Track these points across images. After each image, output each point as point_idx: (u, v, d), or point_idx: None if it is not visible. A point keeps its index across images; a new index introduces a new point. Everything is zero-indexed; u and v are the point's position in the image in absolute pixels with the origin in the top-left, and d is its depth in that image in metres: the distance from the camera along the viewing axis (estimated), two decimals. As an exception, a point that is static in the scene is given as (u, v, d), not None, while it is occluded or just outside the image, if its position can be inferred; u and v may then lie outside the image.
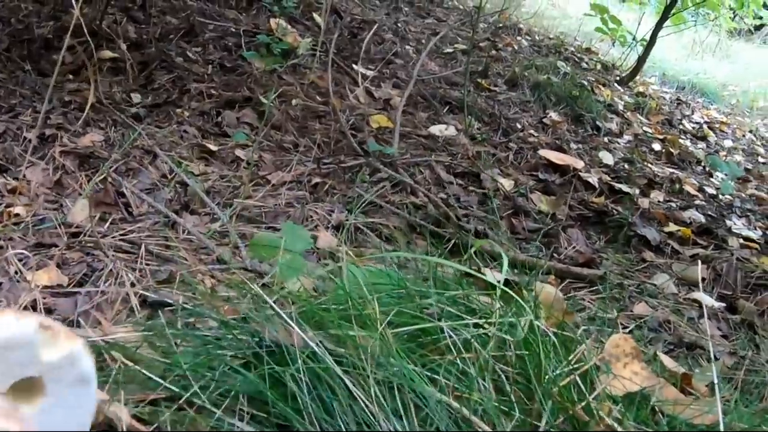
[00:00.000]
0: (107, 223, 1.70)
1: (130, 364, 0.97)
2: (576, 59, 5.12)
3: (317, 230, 1.92)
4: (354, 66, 3.36)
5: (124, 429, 0.84)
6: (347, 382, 0.86)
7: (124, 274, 1.42)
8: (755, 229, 3.34)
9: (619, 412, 1.03)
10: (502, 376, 1.00)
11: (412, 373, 0.89)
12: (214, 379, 0.93)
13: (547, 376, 1.01)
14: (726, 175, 3.12)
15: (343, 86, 3.12)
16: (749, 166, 4.54)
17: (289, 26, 3.18)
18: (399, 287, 1.20)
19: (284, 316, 0.95)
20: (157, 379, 0.94)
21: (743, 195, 4.00)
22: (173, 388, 0.92)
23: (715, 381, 1.40)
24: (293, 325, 0.93)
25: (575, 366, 1.07)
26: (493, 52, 4.42)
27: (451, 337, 1.01)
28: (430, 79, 3.57)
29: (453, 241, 2.13)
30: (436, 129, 3.04)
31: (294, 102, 2.76)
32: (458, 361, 0.95)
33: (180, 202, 1.92)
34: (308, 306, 1.06)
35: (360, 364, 0.88)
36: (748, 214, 3.61)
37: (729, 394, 1.56)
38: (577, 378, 1.06)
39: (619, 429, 0.96)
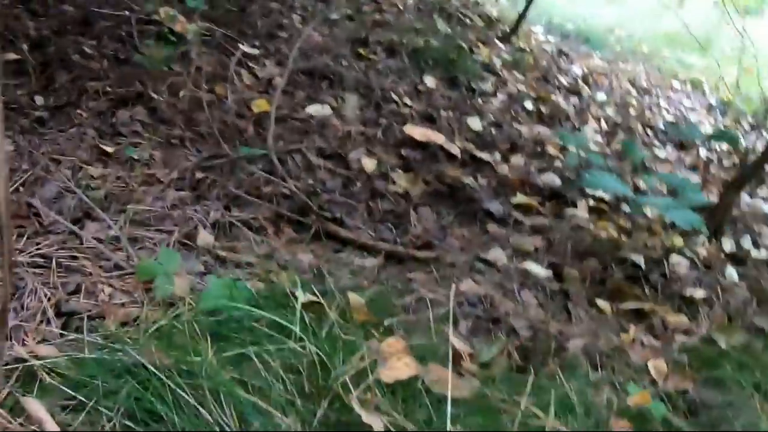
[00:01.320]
0: (24, 239, 2.24)
1: (49, 379, 1.57)
2: (460, 16, 5.68)
3: (197, 230, 2.50)
4: (240, 45, 3.88)
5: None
6: (181, 392, 1.47)
7: (39, 290, 1.99)
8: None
9: (386, 397, 1.66)
10: (303, 375, 1.63)
11: (231, 383, 1.51)
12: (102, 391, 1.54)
13: (332, 374, 1.64)
14: (574, 147, 3.70)
15: (228, 69, 3.63)
16: (619, 120, 5.20)
17: (178, 13, 3.65)
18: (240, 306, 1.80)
19: (132, 353, 1.55)
20: (69, 391, 1.54)
21: (608, 151, 4.64)
22: (81, 397, 1.52)
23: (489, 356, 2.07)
24: (142, 359, 1.52)
25: (359, 363, 1.70)
26: (377, 15, 4.96)
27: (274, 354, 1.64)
28: (312, 53, 4.11)
29: (314, 229, 2.73)
30: (312, 109, 3.60)
31: (182, 93, 3.29)
32: (264, 371, 1.57)
33: (82, 210, 2.47)
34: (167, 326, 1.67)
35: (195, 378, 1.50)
36: (608, 171, 4.22)
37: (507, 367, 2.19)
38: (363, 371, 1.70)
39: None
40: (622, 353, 2.47)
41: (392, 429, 1.56)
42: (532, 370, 2.15)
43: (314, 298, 1.90)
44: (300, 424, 1.53)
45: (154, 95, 3.20)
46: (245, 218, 2.66)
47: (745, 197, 4.62)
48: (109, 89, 3.17)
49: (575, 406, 2.00)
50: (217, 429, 1.49)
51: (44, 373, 1.60)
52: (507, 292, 2.68)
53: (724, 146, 5.04)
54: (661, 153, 4.81)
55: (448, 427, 1.57)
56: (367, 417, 1.55)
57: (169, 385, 1.53)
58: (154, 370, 1.55)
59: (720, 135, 3.97)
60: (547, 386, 2.05)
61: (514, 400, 1.88)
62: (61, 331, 1.86)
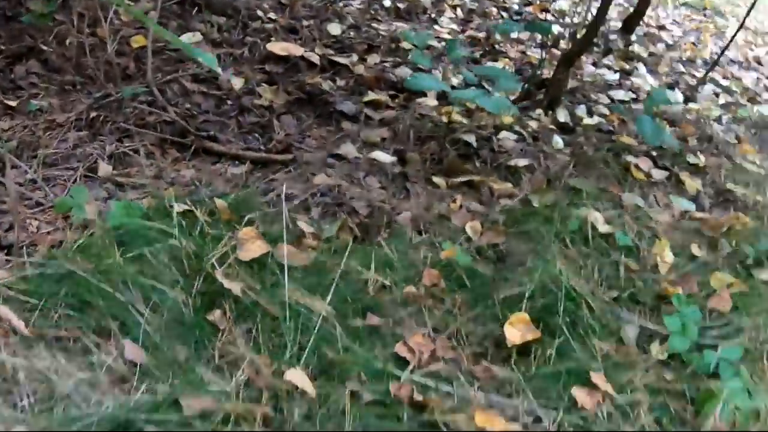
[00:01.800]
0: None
1: (8, 293, 2.43)
2: None
3: (97, 163, 3.33)
4: (113, -16, 4.60)
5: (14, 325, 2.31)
6: (102, 285, 2.36)
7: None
8: (457, 74, 4.75)
9: (243, 271, 2.56)
10: (184, 263, 2.52)
11: (135, 274, 2.40)
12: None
13: (205, 258, 2.53)
14: (416, 46, 4.48)
15: (106, 9, 4.37)
16: (474, 6, 6.02)
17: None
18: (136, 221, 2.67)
19: (64, 264, 2.42)
20: (24, 297, 2.41)
21: (462, 37, 5.47)
22: (33, 301, 2.40)
23: (329, 233, 2.95)
24: (72, 267, 2.40)
25: (223, 249, 2.60)
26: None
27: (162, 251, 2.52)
28: (181, -21, 4.85)
29: (193, 147, 3.57)
30: (184, 38, 4.37)
31: (68, 42, 4.05)
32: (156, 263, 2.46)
33: (1, 160, 3.27)
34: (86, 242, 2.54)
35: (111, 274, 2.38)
36: (436, 67, 4.92)
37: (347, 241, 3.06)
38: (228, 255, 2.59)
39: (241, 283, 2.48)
40: (446, 219, 3.36)
41: (247, 290, 2.46)
42: (363, 239, 3.05)
43: (188, 207, 2.78)
44: (184, 294, 2.44)
45: (44, 47, 3.96)
46: (136, 147, 3.48)
47: (589, 68, 5.53)
48: (3, 47, 3.93)
49: (394, 263, 2.91)
50: (130, 307, 2.39)
51: (4, 288, 2.46)
52: (354, 179, 3.55)
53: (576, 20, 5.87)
54: (513, 33, 5.65)
55: (286, 285, 2.49)
56: (228, 284, 2.46)
57: (93, 282, 2.41)
58: (82, 273, 2.43)
59: (532, 27, 4.80)
60: (375, 251, 2.96)
61: (348, 264, 2.79)
62: (6, 258, 2.71)
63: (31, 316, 2.40)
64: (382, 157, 3.74)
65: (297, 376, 2.24)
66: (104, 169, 3.30)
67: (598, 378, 2.59)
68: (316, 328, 2.44)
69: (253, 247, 2.67)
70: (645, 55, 6.03)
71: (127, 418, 2.05)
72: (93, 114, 3.63)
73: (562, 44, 5.47)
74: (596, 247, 3.29)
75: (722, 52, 5.89)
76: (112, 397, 2.14)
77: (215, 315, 2.45)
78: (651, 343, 2.86)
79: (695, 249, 3.47)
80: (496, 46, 5.37)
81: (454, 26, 5.53)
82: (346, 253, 2.75)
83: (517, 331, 2.70)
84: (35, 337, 2.32)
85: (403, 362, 2.52)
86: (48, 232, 2.87)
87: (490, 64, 5.00)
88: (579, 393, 2.53)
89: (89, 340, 2.34)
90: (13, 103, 3.61)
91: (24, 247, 2.76)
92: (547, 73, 4.86)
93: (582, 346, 2.76)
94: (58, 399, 2.14)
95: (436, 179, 3.66)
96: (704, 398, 2.61)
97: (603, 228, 3.38)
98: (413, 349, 2.56)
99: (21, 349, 2.27)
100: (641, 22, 6.40)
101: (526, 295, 2.83)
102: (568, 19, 6.21)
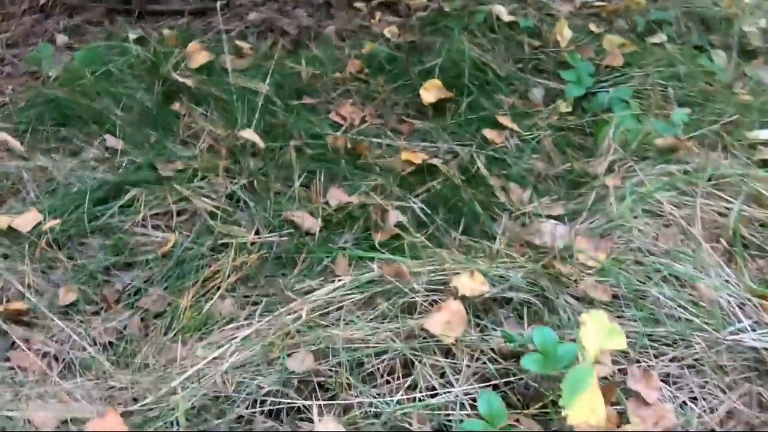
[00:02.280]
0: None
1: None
2: None
3: (54, 36, 3.87)
4: None
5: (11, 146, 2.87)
6: (80, 100, 2.94)
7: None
8: None
9: (194, 73, 3.13)
10: (144, 73, 3.09)
11: (107, 86, 2.98)
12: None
13: (161, 66, 3.10)
14: None
15: None
16: None
17: None
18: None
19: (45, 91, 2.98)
20: (14, 126, 2.97)
21: None
22: (23, 123, 2.97)
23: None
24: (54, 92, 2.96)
25: (175, 59, 3.16)
26: None
27: (125, 66, 3.10)
28: None
29: (138, 11, 4.10)
30: None
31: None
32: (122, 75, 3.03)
33: (-29, 44, 3.81)
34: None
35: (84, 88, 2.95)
36: None
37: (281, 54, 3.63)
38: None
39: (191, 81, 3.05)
40: (366, 29, 3.91)
41: (200, 85, 3.04)
42: (294, 51, 3.62)
43: (141, 34, 3.36)
44: (147, 95, 3.02)
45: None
46: (86, 19, 4.02)
47: None
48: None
49: (323, 60, 3.48)
50: (105, 111, 2.95)
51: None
52: (283, 12, 4.09)
53: None
54: None
55: (230, 74, 3.06)
56: (182, 80, 3.03)
57: (72, 99, 2.98)
58: (62, 95, 3.00)
59: None
60: (304, 52, 3.52)
61: (282, 64, 3.36)
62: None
63: (24, 138, 2.95)
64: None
65: (248, 133, 2.81)
66: (61, 39, 3.84)
67: (505, 119, 3.14)
68: (260, 106, 3.00)
69: (200, 57, 3.24)
70: None
71: (116, 181, 2.62)
72: (42, 1, 4.14)
73: None
74: (502, 34, 3.78)
75: None
76: (101, 172, 2.71)
77: (176, 105, 3.03)
78: (555, 102, 3.37)
79: (593, 27, 3.96)
80: None
81: None
82: (278, 54, 3.31)
83: (431, 93, 3.24)
84: (30, 151, 2.87)
85: (337, 127, 3.08)
86: (21, 93, 3.40)
87: None
88: (489, 132, 3.09)
89: (77, 141, 2.90)
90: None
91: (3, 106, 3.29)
92: None
93: (491, 102, 3.30)
94: (59, 185, 2.70)
95: (357, 4, 4.17)
96: (600, 127, 3.14)
97: (507, 18, 3.85)
98: (345, 116, 3.12)
99: (20, 161, 2.83)
100: None
101: (438, 66, 3.36)
102: None
